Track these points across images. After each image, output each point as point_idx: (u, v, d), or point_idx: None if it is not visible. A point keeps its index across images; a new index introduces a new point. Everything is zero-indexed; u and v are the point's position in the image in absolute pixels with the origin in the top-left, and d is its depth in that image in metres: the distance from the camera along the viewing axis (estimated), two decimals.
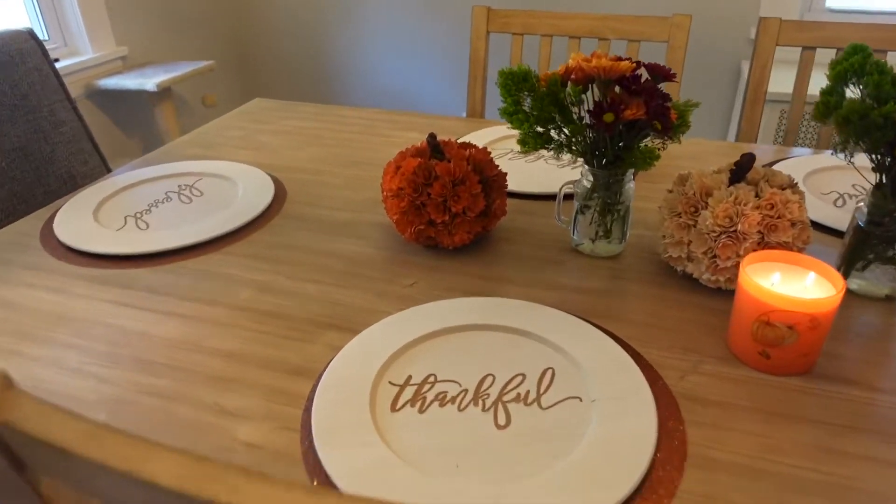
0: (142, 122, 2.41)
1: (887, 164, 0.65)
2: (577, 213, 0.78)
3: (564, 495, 0.47)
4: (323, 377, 0.58)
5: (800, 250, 0.67)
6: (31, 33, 1.17)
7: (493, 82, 2.43)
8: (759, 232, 0.66)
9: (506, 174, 0.80)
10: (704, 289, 0.72)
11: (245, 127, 1.26)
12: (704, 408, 0.56)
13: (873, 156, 0.65)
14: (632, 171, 0.73)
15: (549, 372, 0.59)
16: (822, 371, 0.60)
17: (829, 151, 1.02)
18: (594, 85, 0.73)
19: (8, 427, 0.27)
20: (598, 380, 0.57)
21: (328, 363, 0.61)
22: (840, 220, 0.83)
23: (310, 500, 0.22)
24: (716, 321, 0.67)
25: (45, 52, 1.18)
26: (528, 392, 0.57)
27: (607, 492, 0.47)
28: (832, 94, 0.64)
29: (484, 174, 0.77)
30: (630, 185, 0.75)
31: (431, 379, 0.58)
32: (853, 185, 0.93)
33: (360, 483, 0.48)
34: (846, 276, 0.71)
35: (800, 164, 1.00)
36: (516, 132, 1.14)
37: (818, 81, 1.22)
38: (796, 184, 0.70)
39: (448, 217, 0.75)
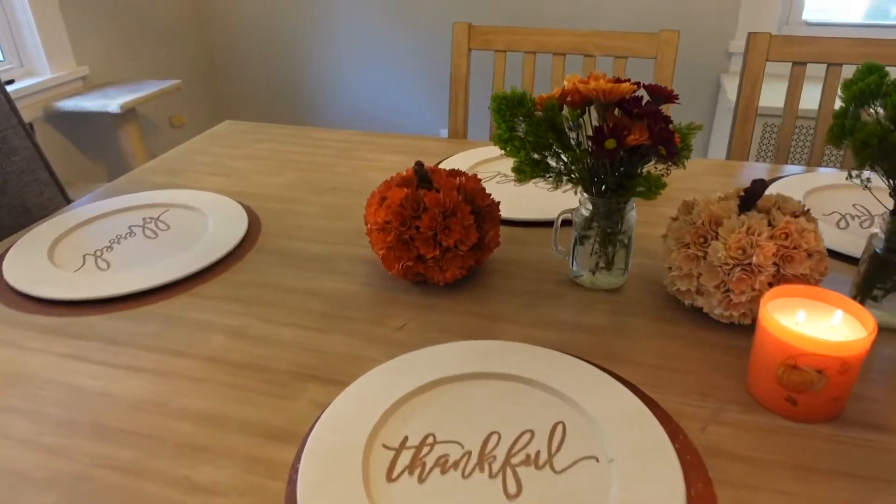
0: (105, 146, 2.31)
1: None
2: (575, 242, 0.73)
3: None
4: (308, 442, 0.52)
5: (816, 282, 0.63)
6: None
7: (476, 101, 2.40)
8: (775, 264, 0.61)
9: (499, 203, 0.75)
10: (715, 323, 0.67)
11: (214, 152, 1.19)
12: (731, 464, 0.51)
13: (891, 180, 0.61)
14: (634, 199, 0.69)
15: (560, 427, 0.53)
16: (850, 415, 0.55)
17: (824, 169, 0.99)
18: (590, 108, 0.68)
19: None
20: (613, 435, 0.52)
21: (313, 424, 0.55)
22: (846, 243, 0.80)
23: None
24: (731, 360, 0.62)
25: None
26: (538, 452, 0.51)
27: None
28: (846, 115, 0.60)
29: (476, 204, 0.72)
30: (632, 214, 0.70)
31: (430, 440, 0.52)
32: (854, 205, 0.90)
33: None
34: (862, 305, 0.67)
35: (795, 183, 0.97)
36: (502, 154, 1.10)
37: (806, 96, 1.19)
38: (808, 210, 0.66)
39: (439, 252, 0.69)
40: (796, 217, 0.64)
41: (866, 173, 0.61)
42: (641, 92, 0.68)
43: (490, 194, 0.75)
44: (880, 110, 0.59)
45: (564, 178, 0.67)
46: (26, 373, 0.62)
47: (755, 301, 0.62)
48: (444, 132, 2.64)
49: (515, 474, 0.49)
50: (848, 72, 1.17)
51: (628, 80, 0.66)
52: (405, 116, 2.68)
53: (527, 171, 0.66)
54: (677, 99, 0.67)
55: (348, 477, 0.48)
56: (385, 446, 0.52)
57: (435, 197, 0.69)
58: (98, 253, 0.83)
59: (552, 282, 0.76)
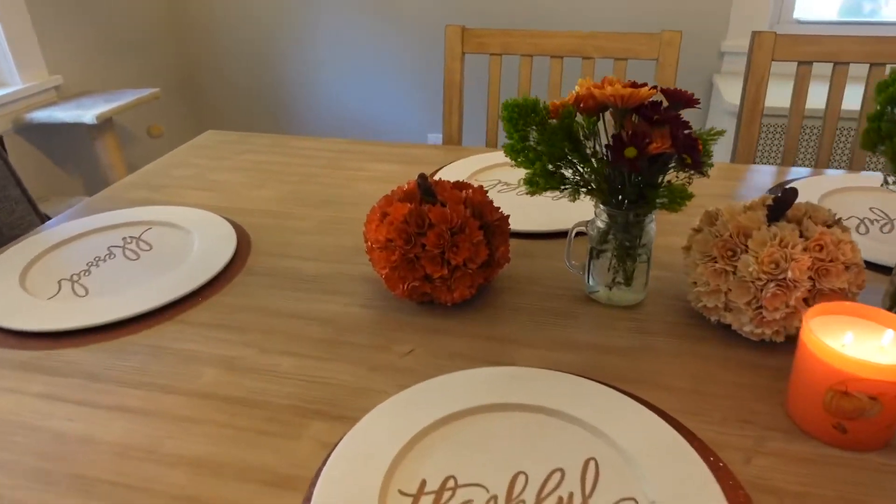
0: (81, 158, 2.23)
1: None
2: (590, 256, 0.69)
3: None
4: (315, 490, 0.47)
5: (854, 296, 0.59)
6: None
7: (469, 106, 2.36)
8: (810, 278, 0.57)
9: (508, 217, 0.71)
10: (744, 341, 0.63)
11: (197, 164, 1.13)
12: (781, 501, 0.47)
13: None
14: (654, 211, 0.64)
15: (592, 464, 0.49)
16: None
17: (832, 171, 0.96)
18: (604, 115, 0.64)
19: None
20: (651, 472, 0.47)
21: (319, 468, 0.50)
22: (869, 249, 0.76)
23: None
24: (766, 382, 0.58)
25: None
26: (571, 495, 0.46)
27: None
28: (882, 118, 0.57)
29: (484, 219, 0.67)
30: (652, 227, 0.66)
31: (451, 483, 0.47)
32: (871, 209, 0.87)
33: None
34: None
35: (807, 186, 0.94)
36: (502, 160, 1.05)
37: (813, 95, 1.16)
38: (840, 219, 0.62)
39: (447, 271, 0.65)
40: (829, 227, 0.60)
41: None
42: (658, 96, 0.63)
43: (499, 208, 0.70)
44: None
45: (582, 190, 0.62)
46: None
47: (789, 318, 0.58)
48: (433, 137, 2.59)
49: None
50: (855, 70, 1.15)
51: (645, 85, 0.62)
52: (390, 123, 2.63)
53: (540, 182, 0.61)
54: (698, 103, 0.62)
55: None
56: (402, 492, 0.47)
57: (441, 212, 0.65)
58: (75, 277, 0.77)
59: (566, 298, 0.71)
